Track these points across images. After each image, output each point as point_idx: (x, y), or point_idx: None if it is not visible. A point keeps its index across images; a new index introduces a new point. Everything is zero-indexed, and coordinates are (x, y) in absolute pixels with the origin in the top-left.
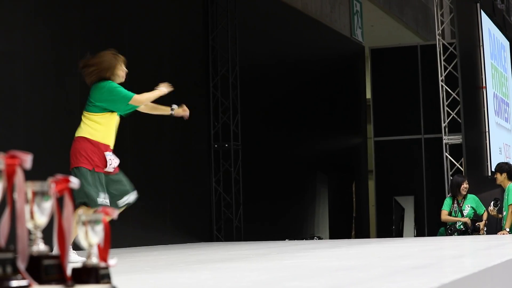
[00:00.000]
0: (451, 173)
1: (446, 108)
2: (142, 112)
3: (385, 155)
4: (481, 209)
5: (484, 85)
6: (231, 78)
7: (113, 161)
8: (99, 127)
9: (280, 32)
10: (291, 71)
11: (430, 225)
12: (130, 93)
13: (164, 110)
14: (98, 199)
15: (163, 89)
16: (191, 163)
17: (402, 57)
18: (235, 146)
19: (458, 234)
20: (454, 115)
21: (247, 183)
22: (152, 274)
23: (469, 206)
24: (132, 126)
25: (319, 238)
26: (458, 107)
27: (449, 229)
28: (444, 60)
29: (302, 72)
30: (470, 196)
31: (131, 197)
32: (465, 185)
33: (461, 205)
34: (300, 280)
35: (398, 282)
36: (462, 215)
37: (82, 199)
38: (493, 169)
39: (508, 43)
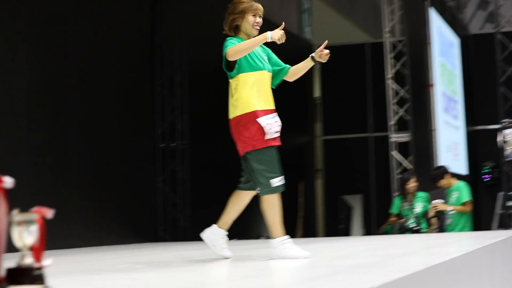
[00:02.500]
0: (398, 171)
1: (393, 106)
2: (89, 110)
3: (333, 154)
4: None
5: (432, 83)
6: (179, 77)
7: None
8: None
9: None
10: None
11: (379, 224)
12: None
13: (306, 64)
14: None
15: (273, 31)
16: (137, 162)
17: (351, 55)
18: (182, 145)
19: (411, 233)
20: (402, 113)
21: (194, 183)
22: (94, 275)
23: (421, 204)
24: (78, 125)
25: (267, 237)
26: (406, 105)
27: (400, 228)
28: (393, 58)
29: None
30: (420, 193)
31: None
32: (412, 182)
33: (412, 202)
34: (244, 280)
35: (341, 281)
36: (413, 214)
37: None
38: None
39: (458, 40)
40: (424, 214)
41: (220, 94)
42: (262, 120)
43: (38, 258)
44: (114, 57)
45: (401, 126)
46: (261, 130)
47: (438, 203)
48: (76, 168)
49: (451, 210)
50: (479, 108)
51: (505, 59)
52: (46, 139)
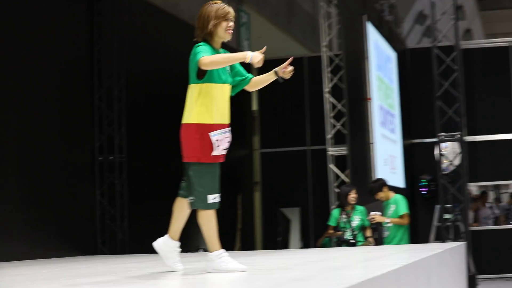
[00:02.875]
0: (336, 184)
1: (331, 119)
2: (26, 124)
3: (271, 167)
4: (367, 222)
5: (369, 96)
6: (116, 90)
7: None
8: None
9: (167, 44)
10: (177, 83)
11: (316, 237)
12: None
13: (267, 77)
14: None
15: (254, 53)
16: (75, 175)
17: None
18: (120, 158)
19: (347, 245)
20: (340, 127)
21: (133, 196)
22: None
23: (358, 217)
24: (15, 138)
25: (204, 250)
26: (343, 119)
27: (337, 240)
28: (330, 72)
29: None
30: (358, 207)
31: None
32: (353, 195)
33: (349, 215)
34: None
35: None
36: (351, 226)
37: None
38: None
39: (395, 54)
40: (361, 227)
41: (158, 108)
42: (213, 135)
43: None
44: (51, 70)
45: (339, 139)
46: (209, 144)
47: (375, 215)
48: (12, 181)
49: (388, 223)
50: (416, 122)
51: (442, 74)
52: None
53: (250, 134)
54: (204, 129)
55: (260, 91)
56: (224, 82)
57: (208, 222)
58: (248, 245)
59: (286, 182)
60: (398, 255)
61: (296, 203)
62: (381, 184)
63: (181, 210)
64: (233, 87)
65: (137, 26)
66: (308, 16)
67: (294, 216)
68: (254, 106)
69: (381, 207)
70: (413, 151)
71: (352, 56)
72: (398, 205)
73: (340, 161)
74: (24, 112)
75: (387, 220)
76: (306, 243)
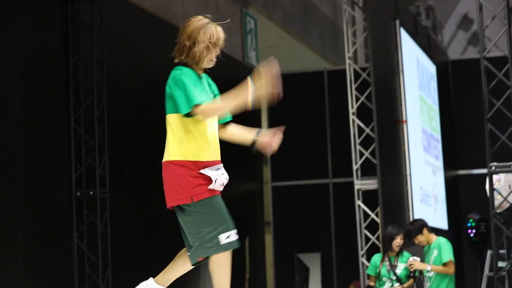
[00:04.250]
0: (365, 225)
1: (358, 146)
2: None
3: (285, 203)
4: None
5: (404, 118)
6: (97, 112)
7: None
8: None
9: (157, 54)
10: None
11: None
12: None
13: (244, 137)
14: None
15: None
16: (48, 215)
17: (306, 85)
18: (102, 193)
19: None
20: (368, 155)
21: (116, 239)
22: None
23: (404, 265)
24: None
25: None
26: (372, 146)
27: None
28: (355, 89)
29: None
30: (405, 253)
31: None
32: (398, 240)
33: (394, 264)
34: None
35: None
36: (395, 275)
37: None
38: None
39: (434, 67)
40: (408, 276)
41: (147, 132)
42: (205, 172)
43: None
44: (15, 86)
45: (367, 170)
46: (203, 180)
47: (415, 261)
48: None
49: (430, 271)
50: (461, 149)
51: (493, 90)
52: None
53: (260, 164)
54: (194, 167)
55: (271, 111)
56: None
57: (221, 268)
58: None
59: (304, 222)
60: None
61: (316, 248)
62: (420, 225)
63: (185, 262)
64: None
65: (121, 33)
66: (328, 21)
67: (313, 263)
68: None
69: (421, 253)
70: (458, 184)
71: (382, 69)
72: (441, 250)
73: (369, 197)
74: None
75: (428, 267)
76: None
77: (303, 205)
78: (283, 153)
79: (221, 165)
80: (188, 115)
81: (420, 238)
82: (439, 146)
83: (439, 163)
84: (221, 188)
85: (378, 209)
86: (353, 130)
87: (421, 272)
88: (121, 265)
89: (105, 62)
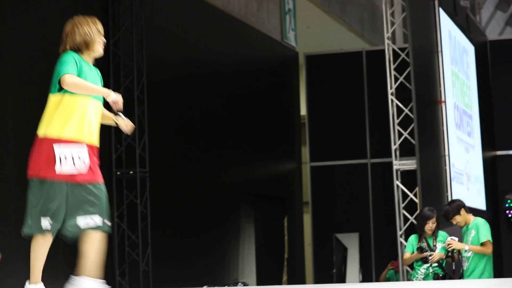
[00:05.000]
0: (403, 205)
1: (397, 127)
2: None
3: (323, 183)
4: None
5: (443, 99)
6: (137, 91)
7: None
8: None
9: (196, 35)
10: (210, 83)
11: (379, 268)
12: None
13: (108, 118)
14: None
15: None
16: None
17: (344, 65)
18: (142, 173)
19: (435, 279)
20: (407, 136)
21: (156, 218)
22: None
23: (441, 245)
24: (15, 149)
25: (244, 284)
26: (411, 126)
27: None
28: (394, 69)
29: (223, 84)
30: (440, 233)
31: None
32: (430, 224)
33: (434, 244)
34: None
35: None
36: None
37: None
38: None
39: (472, 47)
40: (445, 256)
41: (186, 111)
42: (57, 148)
43: None
44: None
45: (406, 150)
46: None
47: (453, 240)
48: (14, 199)
49: (468, 251)
50: (500, 129)
51: None
52: None
53: (298, 145)
54: (50, 143)
55: (309, 92)
56: (94, 97)
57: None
58: (296, 278)
59: (342, 202)
60: None
61: (354, 228)
62: (458, 206)
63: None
64: None
65: (161, 13)
66: (366, 1)
67: (351, 243)
68: (303, 110)
69: (459, 233)
70: (496, 165)
71: (421, 50)
72: (479, 230)
73: (407, 177)
74: (26, 117)
75: (466, 247)
76: (367, 276)
77: (341, 185)
78: (322, 134)
79: (87, 147)
80: (60, 89)
81: (458, 219)
82: (472, 123)
83: (472, 140)
84: (72, 171)
85: (417, 189)
86: (391, 110)
87: (459, 252)
88: (161, 244)
89: (145, 42)
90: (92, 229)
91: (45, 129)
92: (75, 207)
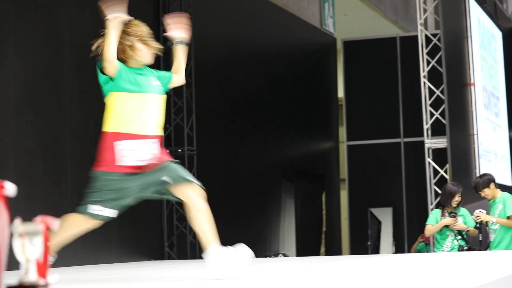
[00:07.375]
0: (434, 181)
1: (429, 107)
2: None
3: (359, 161)
4: (472, 224)
5: (472, 81)
6: (186, 75)
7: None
8: None
9: (241, 22)
10: (253, 67)
11: (411, 241)
12: None
13: (176, 55)
14: None
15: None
16: None
17: (379, 50)
18: (190, 151)
19: (460, 250)
20: (438, 116)
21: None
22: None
23: (462, 219)
24: (73, 128)
25: (285, 255)
26: (442, 107)
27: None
28: (426, 54)
29: (266, 68)
30: (461, 209)
31: None
32: (457, 198)
33: (455, 216)
34: None
35: None
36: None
37: None
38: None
39: (500, 33)
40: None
41: (234, 93)
42: (118, 144)
43: (42, 274)
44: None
45: (437, 130)
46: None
47: (481, 212)
48: (71, 175)
49: (495, 223)
50: None
51: None
52: (37, 144)
53: (336, 125)
54: (111, 138)
55: (347, 75)
56: (143, 92)
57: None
58: (334, 249)
59: (377, 178)
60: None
61: (387, 203)
62: (488, 179)
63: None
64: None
65: (208, 2)
66: None
67: (385, 217)
68: (340, 92)
69: (486, 206)
70: None
71: (451, 35)
72: (506, 204)
73: (438, 155)
74: (83, 97)
75: (494, 219)
76: (399, 248)
77: (376, 162)
78: (358, 114)
79: (150, 140)
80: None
81: (487, 192)
82: (499, 104)
83: (499, 120)
84: (135, 163)
85: (447, 166)
86: (424, 92)
87: (486, 224)
88: None
89: (193, 28)
90: (181, 181)
91: (107, 127)
92: (149, 184)
